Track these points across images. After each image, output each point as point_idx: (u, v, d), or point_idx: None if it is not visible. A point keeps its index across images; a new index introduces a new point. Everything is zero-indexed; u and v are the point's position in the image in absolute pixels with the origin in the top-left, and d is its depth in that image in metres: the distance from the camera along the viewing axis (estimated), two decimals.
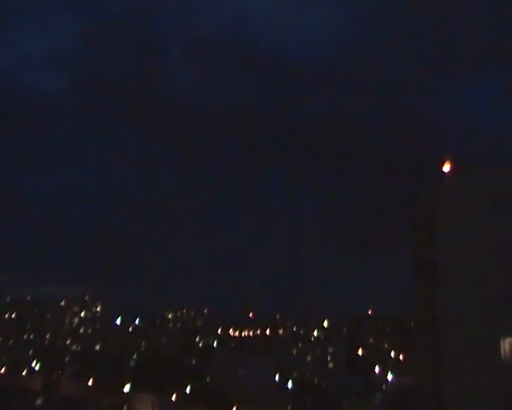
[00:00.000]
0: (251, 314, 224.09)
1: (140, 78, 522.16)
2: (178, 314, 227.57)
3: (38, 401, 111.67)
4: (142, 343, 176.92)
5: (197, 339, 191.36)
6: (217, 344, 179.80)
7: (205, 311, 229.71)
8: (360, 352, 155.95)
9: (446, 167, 47.27)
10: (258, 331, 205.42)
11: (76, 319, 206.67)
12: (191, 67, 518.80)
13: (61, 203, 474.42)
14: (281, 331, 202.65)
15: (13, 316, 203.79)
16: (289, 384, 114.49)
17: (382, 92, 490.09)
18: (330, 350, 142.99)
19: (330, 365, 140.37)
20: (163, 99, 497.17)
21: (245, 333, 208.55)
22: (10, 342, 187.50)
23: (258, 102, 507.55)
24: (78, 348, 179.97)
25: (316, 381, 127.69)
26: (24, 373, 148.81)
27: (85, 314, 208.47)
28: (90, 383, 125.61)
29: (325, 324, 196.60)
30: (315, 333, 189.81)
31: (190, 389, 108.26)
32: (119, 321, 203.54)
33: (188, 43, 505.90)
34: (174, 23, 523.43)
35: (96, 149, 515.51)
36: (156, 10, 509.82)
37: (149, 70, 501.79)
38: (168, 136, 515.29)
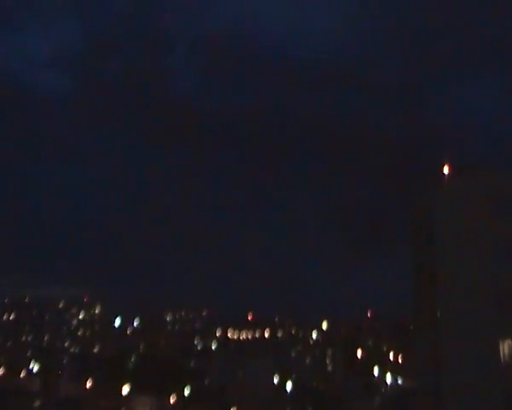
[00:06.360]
0: (250, 316, 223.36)
1: (143, 78, 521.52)
2: (177, 316, 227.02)
3: (37, 403, 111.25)
4: (141, 345, 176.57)
5: (196, 341, 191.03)
6: (215, 346, 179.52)
7: (203, 313, 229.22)
8: (359, 354, 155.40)
9: (446, 169, 47.27)
10: (257, 334, 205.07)
11: (74, 321, 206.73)
12: (195, 66, 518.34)
13: (61, 204, 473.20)
14: (280, 334, 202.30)
15: (11, 317, 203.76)
16: (288, 387, 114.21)
17: (383, 93, 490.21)
18: (329, 352, 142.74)
19: (329, 367, 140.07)
20: (167, 99, 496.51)
21: (244, 335, 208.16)
22: (9, 343, 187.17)
23: (261, 101, 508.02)
24: (77, 350, 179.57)
25: (315, 383, 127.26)
26: (22, 375, 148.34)
27: (84, 316, 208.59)
28: (88, 384, 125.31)
29: (324, 326, 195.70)
30: (314, 335, 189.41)
31: (189, 390, 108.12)
32: (117, 322, 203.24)
33: (192, 43, 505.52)
34: (178, 23, 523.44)
35: (97, 148, 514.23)
36: (160, 10, 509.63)
37: (153, 70, 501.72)
38: (171, 136, 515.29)
